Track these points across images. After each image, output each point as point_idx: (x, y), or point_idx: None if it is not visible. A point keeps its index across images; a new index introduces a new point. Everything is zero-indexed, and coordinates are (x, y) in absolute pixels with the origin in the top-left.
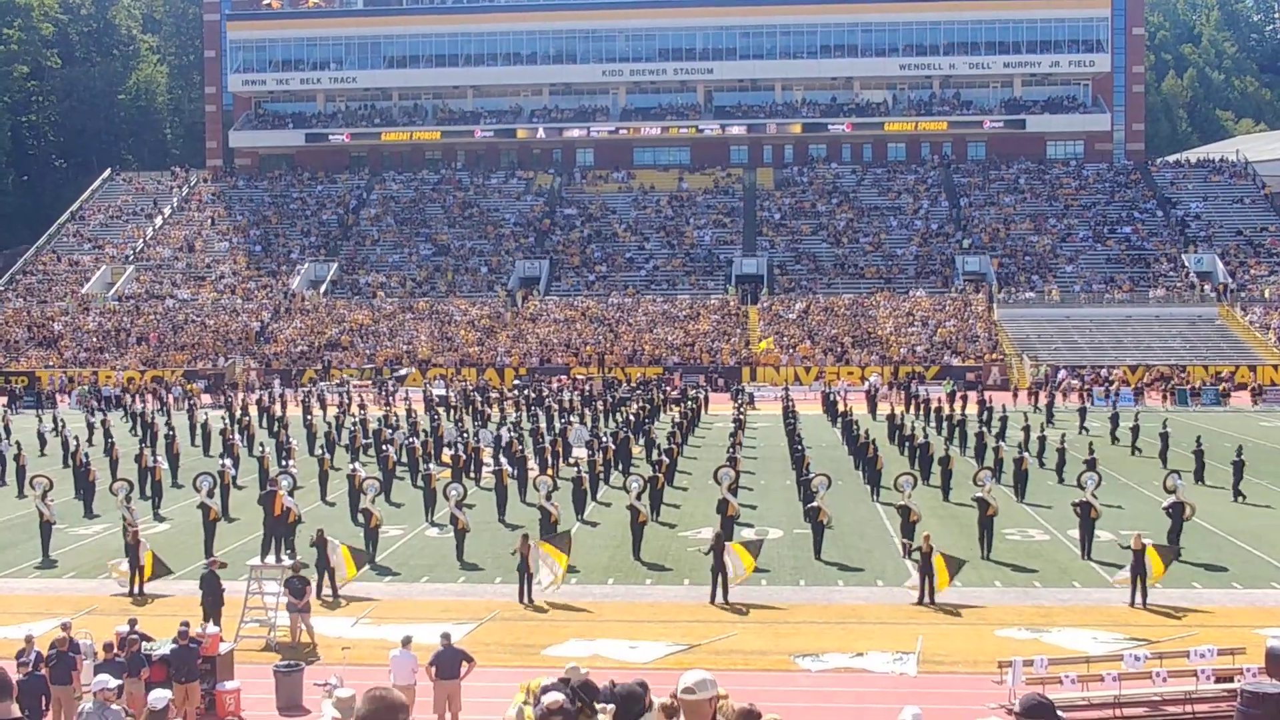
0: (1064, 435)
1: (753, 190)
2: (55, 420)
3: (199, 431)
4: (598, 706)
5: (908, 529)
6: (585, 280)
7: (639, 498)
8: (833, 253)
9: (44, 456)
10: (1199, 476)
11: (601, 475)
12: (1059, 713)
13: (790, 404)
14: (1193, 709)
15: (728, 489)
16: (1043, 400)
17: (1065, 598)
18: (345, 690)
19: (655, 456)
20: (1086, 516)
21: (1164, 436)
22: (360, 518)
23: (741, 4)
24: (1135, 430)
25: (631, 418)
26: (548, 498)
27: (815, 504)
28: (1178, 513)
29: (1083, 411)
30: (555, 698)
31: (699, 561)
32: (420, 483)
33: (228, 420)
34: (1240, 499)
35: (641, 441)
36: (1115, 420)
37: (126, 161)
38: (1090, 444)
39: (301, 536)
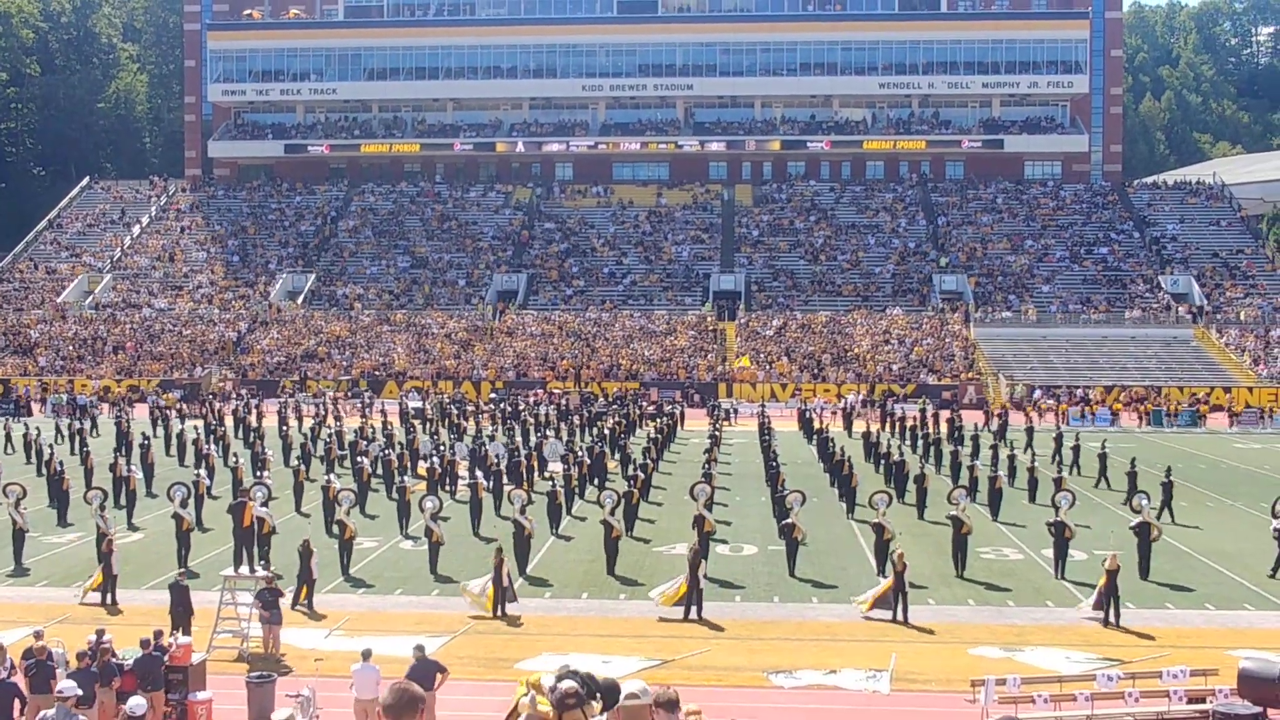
0: (1033, 455)
1: (731, 207)
2: (28, 428)
3: (174, 441)
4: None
5: (881, 547)
6: (563, 294)
7: (613, 513)
8: (810, 270)
9: (29, 464)
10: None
11: (576, 490)
12: None
13: (766, 420)
14: None
15: (704, 505)
16: (995, 422)
17: (1039, 617)
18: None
19: (630, 472)
20: (1061, 536)
21: (1102, 458)
22: (335, 529)
23: (722, 20)
24: (1076, 450)
25: (607, 432)
26: (521, 511)
27: (790, 520)
28: (1144, 532)
29: (1030, 431)
30: (570, 685)
31: (673, 578)
32: (395, 495)
33: (202, 430)
34: (1170, 518)
35: (617, 457)
36: (1059, 440)
37: (105, 170)
38: (1058, 464)
39: (278, 548)
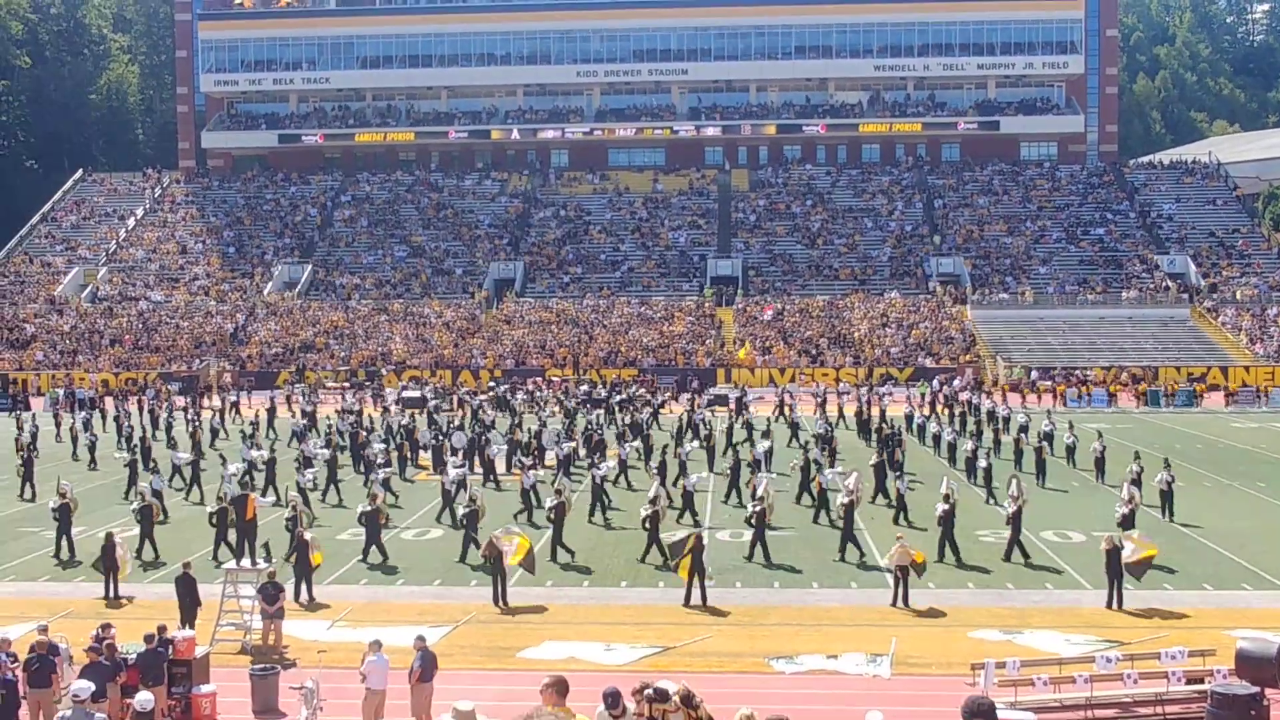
0: (1040, 435)
1: (727, 191)
2: (19, 421)
3: (175, 433)
4: None
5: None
6: (560, 282)
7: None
8: (807, 254)
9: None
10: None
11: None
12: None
13: (785, 405)
14: (1163, 710)
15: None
16: (969, 400)
17: (1038, 599)
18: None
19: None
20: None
21: (1099, 461)
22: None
23: (716, 5)
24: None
25: (606, 419)
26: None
27: (759, 507)
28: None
29: (991, 414)
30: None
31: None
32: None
33: (219, 421)
34: (1170, 517)
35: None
36: (1006, 421)
37: (98, 162)
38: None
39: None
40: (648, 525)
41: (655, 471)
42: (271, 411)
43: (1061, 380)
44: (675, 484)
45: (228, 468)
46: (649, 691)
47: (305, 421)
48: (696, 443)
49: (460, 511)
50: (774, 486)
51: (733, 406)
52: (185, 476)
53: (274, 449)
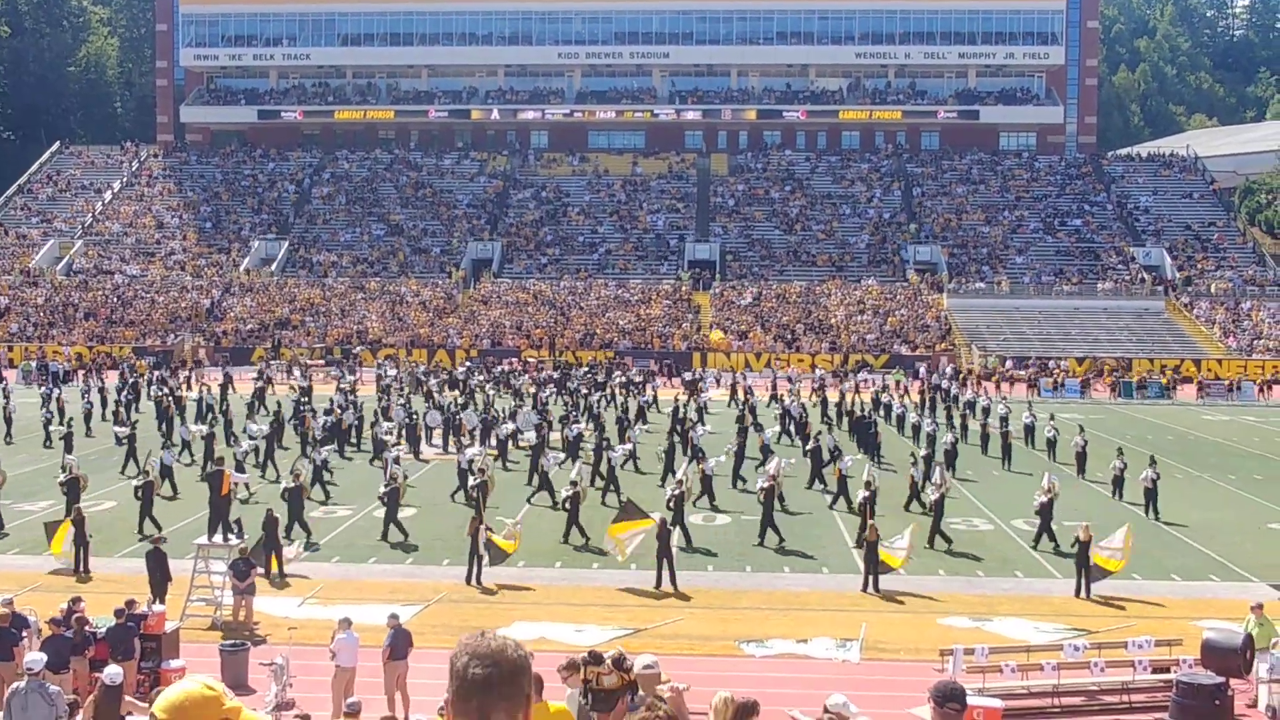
0: (1005, 420)
1: (706, 176)
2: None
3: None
4: None
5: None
6: (538, 263)
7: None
8: (785, 240)
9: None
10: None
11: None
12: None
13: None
14: (1129, 699)
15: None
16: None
17: (1007, 587)
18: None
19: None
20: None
21: (1080, 457)
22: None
23: None
24: (1004, 419)
25: (581, 401)
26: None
27: (765, 484)
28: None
29: (971, 404)
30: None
31: (646, 547)
32: (378, 462)
33: (214, 398)
34: (1155, 516)
35: (591, 425)
36: (985, 411)
37: (76, 135)
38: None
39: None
40: (568, 506)
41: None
42: (262, 390)
43: (1036, 368)
44: (691, 468)
45: (239, 444)
46: (584, 655)
47: (303, 397)
48: (703, 428)
49: (471, 482)
50: (786, 469)
51: (684, 388)
52: (193, 452)
53: (273, 425)
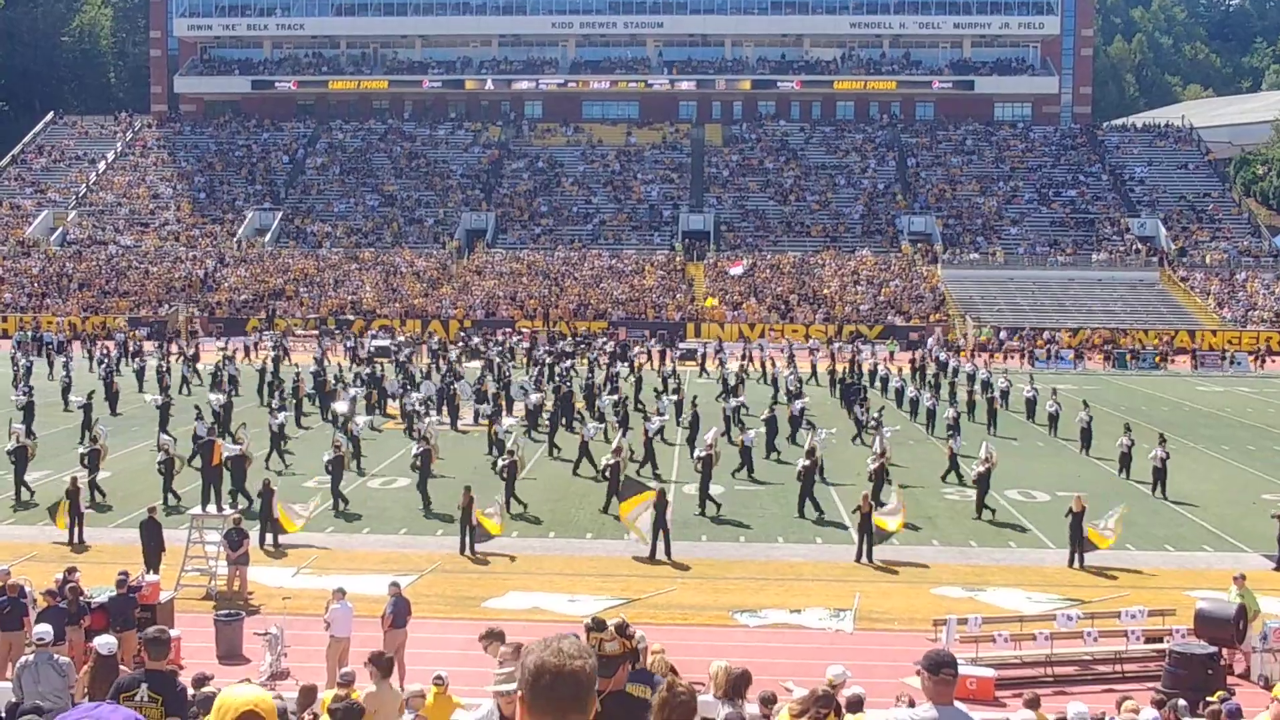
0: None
1: (700, 146)
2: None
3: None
4: None
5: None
6: (531, 233)
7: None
8: (779, 210)
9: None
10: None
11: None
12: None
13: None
14: (1122, 668)
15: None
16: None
17: (1001, 558)
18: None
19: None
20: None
21: (1084, 432)
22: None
23: None
24: (1004, 394)
25: (573, 373)
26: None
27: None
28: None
29: (971, 376)
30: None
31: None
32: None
33: (223, 368)
34: (1163, 493)
35: (584, 397)
36: (983, 383)
37: (70, 105)
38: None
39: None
40: (608, 475)
41: (618, 423)
42: (278, 360)
43: (1030, 340)
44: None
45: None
46: (587, 621)
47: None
48: (668, 396)
49: (500, 464)
50: (821, 443)
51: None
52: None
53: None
